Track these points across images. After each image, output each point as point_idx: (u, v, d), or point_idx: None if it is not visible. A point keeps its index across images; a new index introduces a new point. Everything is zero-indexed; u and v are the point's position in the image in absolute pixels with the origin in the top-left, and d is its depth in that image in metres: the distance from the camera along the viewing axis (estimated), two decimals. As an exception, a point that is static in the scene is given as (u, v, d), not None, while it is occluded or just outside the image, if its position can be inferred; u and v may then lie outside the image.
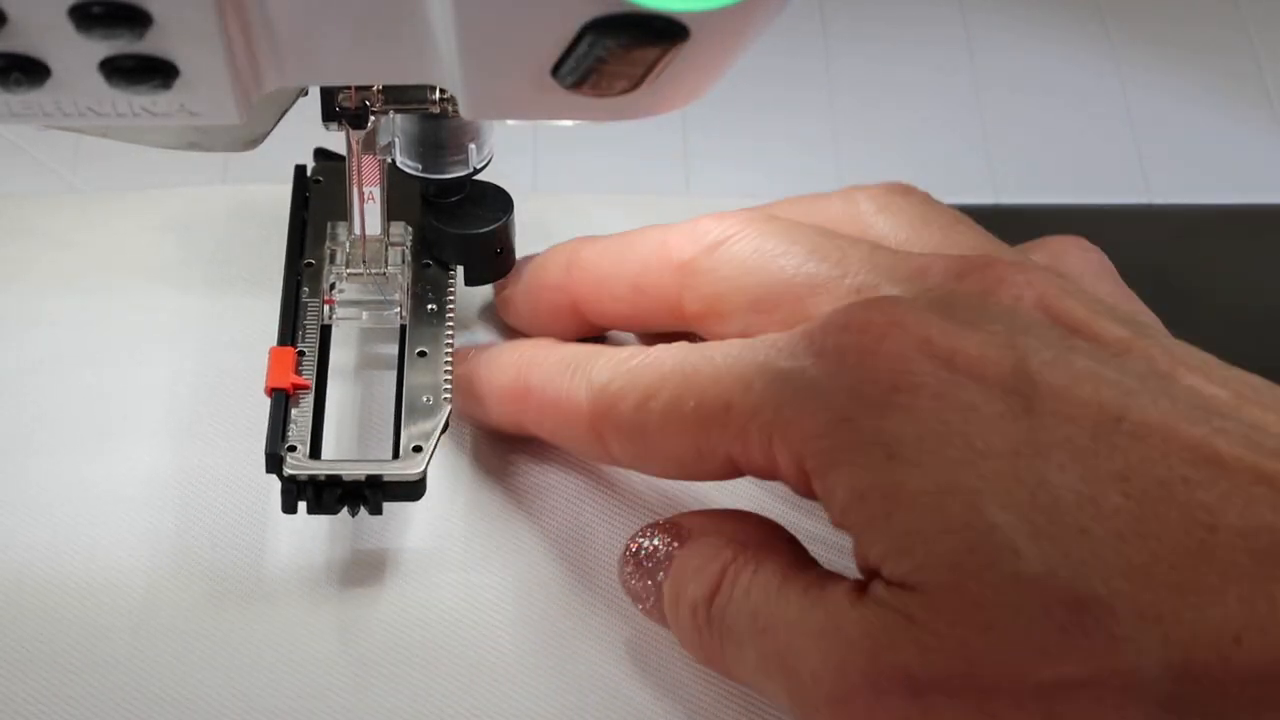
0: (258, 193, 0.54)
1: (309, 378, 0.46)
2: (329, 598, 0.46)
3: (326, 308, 0.48)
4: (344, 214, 0.49)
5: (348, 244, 0.49)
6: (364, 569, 0.47)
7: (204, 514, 0.47)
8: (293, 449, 0.45)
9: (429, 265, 0.50)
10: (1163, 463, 0.36)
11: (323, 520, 0.47)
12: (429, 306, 0.49)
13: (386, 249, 0.49)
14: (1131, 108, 0.61)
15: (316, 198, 0.50)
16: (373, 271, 0.49)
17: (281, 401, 0.45)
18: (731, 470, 0.41)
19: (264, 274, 0.53)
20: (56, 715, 0.43)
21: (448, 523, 0.48)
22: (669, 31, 0.33)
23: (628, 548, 0.44)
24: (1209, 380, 0.38)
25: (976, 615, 0.36)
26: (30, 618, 0.45)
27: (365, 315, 0.49)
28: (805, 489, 0.40)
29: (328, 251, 0.49)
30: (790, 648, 0.39)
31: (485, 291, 0.52)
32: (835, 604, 0.38)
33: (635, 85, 0.35)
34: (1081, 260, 0.44)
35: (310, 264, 0.49)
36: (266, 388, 0.46)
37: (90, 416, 0.49)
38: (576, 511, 0.48)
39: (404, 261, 0.49)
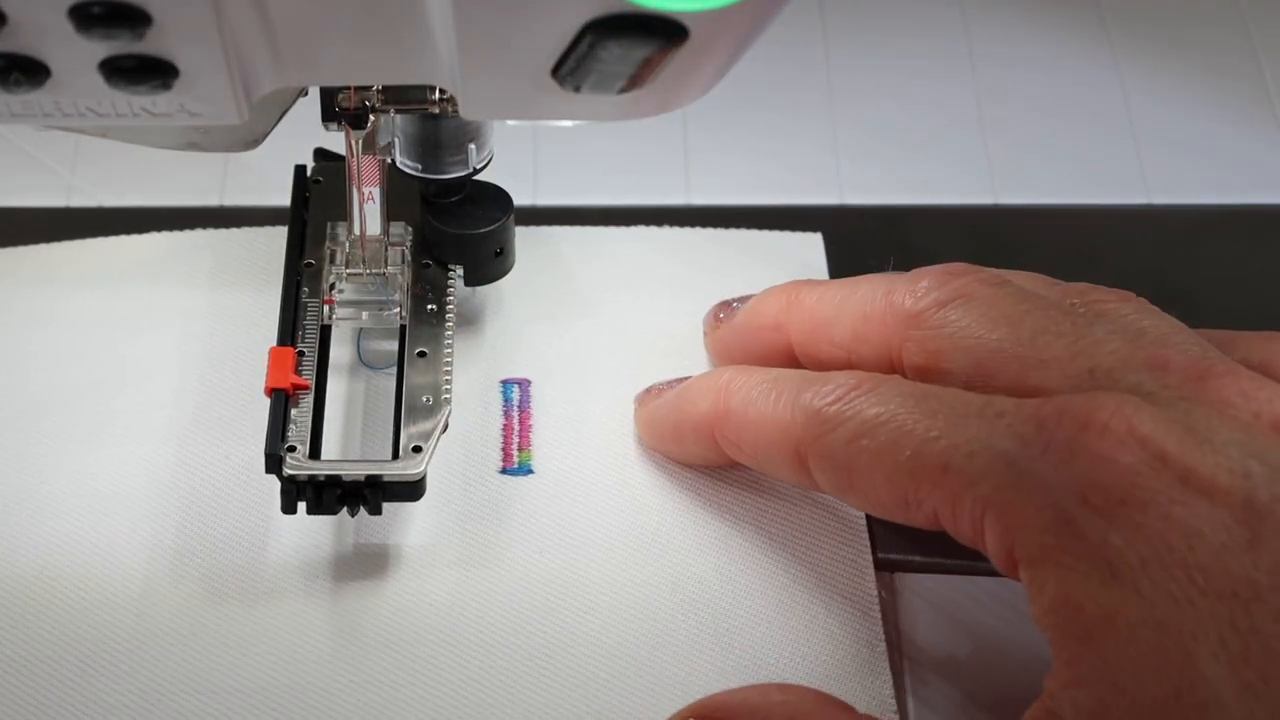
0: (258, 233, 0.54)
1: (309, 378, 0.46)
2: (328, 594, 0.46)
3: (326, 308, 0.48)
4: (344, 214, 0.49)
5: (348, 244, 0.49)
6: (363, 567, 0.47)
7: (204, 515, 0.47)
8: (292, 449, 0.45)
9: (429, 265, 0.50)
10: None
11: (322, 519, 0.47)
12: (429, 306, 0.49)
13: (386, 249, 0.49)
14: (1131, 108, 0.61)
15: (316, 198, 0.50)
16: (372, 271, 0.49)
17: (281, 401, 0.45)
18: (934, 524, 0.40)
19: (264, 275, 0.53)
20: (59, 709, 0.43)
21: (446, 522, 0.48)
22: (669, 31, 0.33)
23: None
24: None
25: None
26: (30, 615, 0.45)
27: (365, 315, 0.49)
28: (1008, 568, 0.38)
29: (328, 251, 0.49)
30: None
31: (485, 291, 0.52)
32: None
33: (635, 85, 0.35)
34: None
35: (310, 264, 0.49)
36: (266, 388, 0.46)
37: (90, 415, 0.49)
38: (574, 511, 0.48)
39: (404, 261, 0.49)
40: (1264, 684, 0.35)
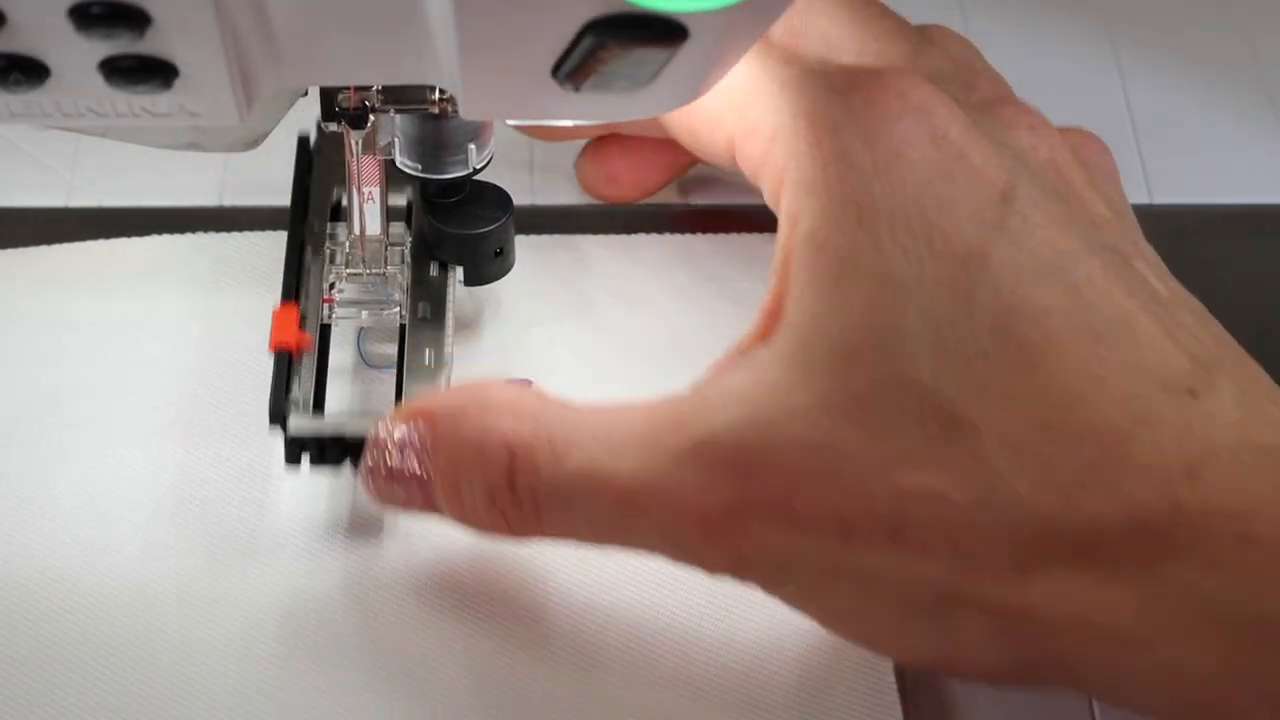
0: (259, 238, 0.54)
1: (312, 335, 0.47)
2: (329, 597, 0.46)
3: (326, 307, 0.49)
4: (345, 180, 0.49)
5: (347, 244, 0.49)
6: (365, 572, 0.46)
7: (203, 517, 0.47)
8: (295, 405, 0.45)
9: (429, 265, 0.50)
10: (1086, 315, 0.37)
11: (324, 525, 0.47)
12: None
13: (386, 249, 0.49)
14: (1132, 108, 0.61)
15: (319, 166, 0.51)
16: (372, 271, 0.49)
17: (285, 359, 0.46)
18: (728, 153, 0.44)
19: (264, 278, 0.53)
20: (59, 709, 0.43)
21: (447, 524, 0.47)
22: (669, 31, 0.33)
23: (365, 459, 0.42)
24: (1158, 278, 0.40)
25: (854, 409, 0.36)
26: (30, 616, 0.45)
27: (365, 315, 0.49)
28: (774, 201, 0.41)
29: (327, 251, 0.49)
30: (641, 486, 0.38)
31: (485, 291, 0.52)
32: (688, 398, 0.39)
33: (635, 85, 0.35)
34: (1098, 157, 0.46)
35: (314, 226, 0.49)
36: (270, 345, 0.46)
37: (89, 417, 0.49)
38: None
39: (403, 261, 0.49)
40: (958, 346, 0.36)
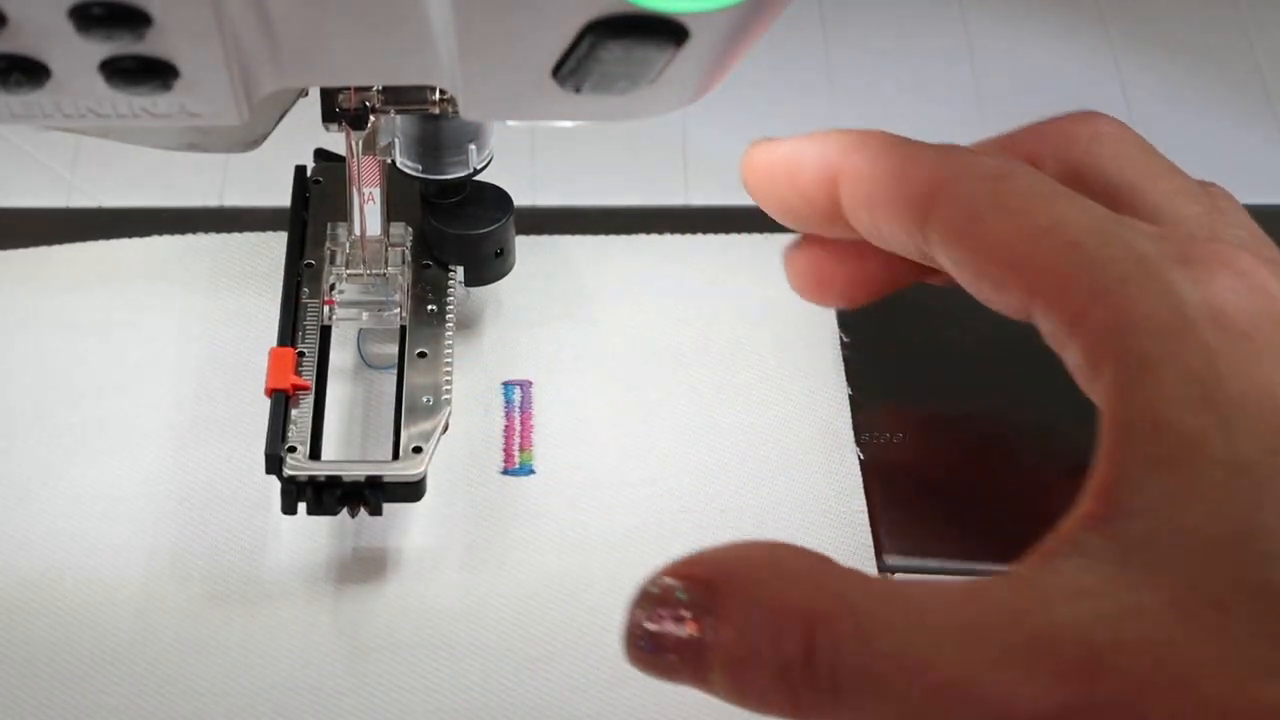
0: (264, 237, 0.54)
1: (309, 378, 0.46)
2: (330, 596, 0.46)
3: (326, 308, 0.49)
4: (344, 214, 0.49)
5: (348, 244, 0.49)
6: (365, 569, 0.47)
7: (204, 517, 0.48)
8: (292, 450, 0.45)
9: (429, 265, 0.50)
10: None
11: (323, 520, 0.47)
12: (429, 307, 0.49)
13: (386, 249, 0.49)
14: (1131, 108, 0.61)
15: (316, 198, 0.51)
16: (373, 272, 0.49)
17: (281, 402, 0.45)
18: (1026, 304, 0.38)
19: (264, 278, 0.53)
20: (59, 709, 0.43)
21: (448, 523, 0.48)
22: (669, 32, 0.33)
23: (635, 623, 0.37)
24: None
25: (1212, 614, 0.33)
26: (31, 616, 0.45)
27: (365, 316, 0.49)
28: (1091, 370, 0.36)
29: (328, 252, 0.49)
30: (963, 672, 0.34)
31: (485, 292, 0.52)
32: (1005, 588, 0.35)
33: (635, 86, 0.35)
34: None
35: (310, 264, 0.49)
36: (266, 389, 0.46)
37: (91, 417, 0.49)
38: (575, 512, 0.48)
39: (404, 262, 0.49)
40: None
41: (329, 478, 0.44)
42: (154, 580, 0.46)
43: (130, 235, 0.54)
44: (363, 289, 0.49)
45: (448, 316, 0.48)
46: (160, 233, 0.54)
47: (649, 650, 0.37)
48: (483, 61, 0.34)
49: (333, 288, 0.49)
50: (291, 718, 0.44)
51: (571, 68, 0.34)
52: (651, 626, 0.36)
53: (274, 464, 0.44)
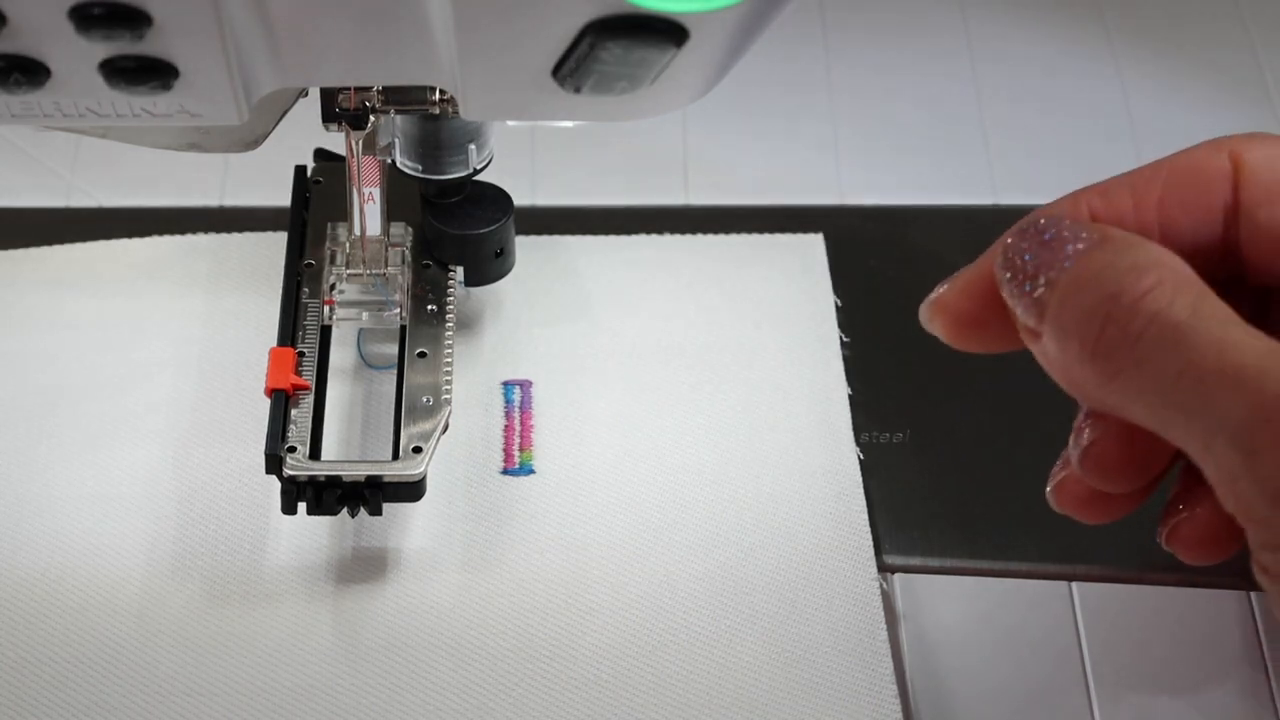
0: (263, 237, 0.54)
1: (309, 378, 0.46)
2: (330, 595, 0.46)
3: (326, 308, 0.48)
4: (344, 214, 0.49)
5: (348, 244, 0.49)
6: (365, 568, 0.47)
7: (205, 517, 0.48)
8: (292, 450, 0.45)
9: (429, 265, 0.50)
10: None
11: (323, 520, 0.47)
12: (429, 307, 0.49)
13: (386, 249, 0.49)
14: (1131, 107, 0.61)
15: (316, 198, 0.50)
16: (373, 272, 0.49)
17: (281, 402, 0.45)
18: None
19: (264, 279, 0.53)
20: (60, 709, 0.43)
21: (448, 522, 0.48)
22: (669, 32, 0.33)
23: (1005, 242, 0.38)
24: None
25: None
26: (32, 616, 0.45)
27: (365, 315, 0.49)
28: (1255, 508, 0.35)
29: (328, 252, 0.49)
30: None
31: (485, 292, 0.52)
32: None
33: (635, 85, 0.35)
34: None
35: (310, 264, 0.49)
36: (266, 388, 0.46)
37: (91, 417, 0.49)
38: (575, 511, 0.48)
39: (404, 262, 0.49)
40: None
41: (329, 478, 0.44)
42: (154, 580, 0.46)
43: (130, 235, 0.54)
44: (363, 289, 0.49)
45: (448, 316, 0.48)
46: (160, 233, 0.54)
47: (1010, 280, 0.38)
48: (483, 61, 0.34)
49: (333, 288, 0.49)
50: (292, 717, 0.44)
51: (571, 68, 0.34)
52: (1020, 254, 0.38)
53: (274, 464, 0.44)
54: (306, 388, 0.46)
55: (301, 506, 0.44)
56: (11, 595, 0.46)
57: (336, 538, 0.47)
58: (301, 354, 0.47)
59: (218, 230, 0.54)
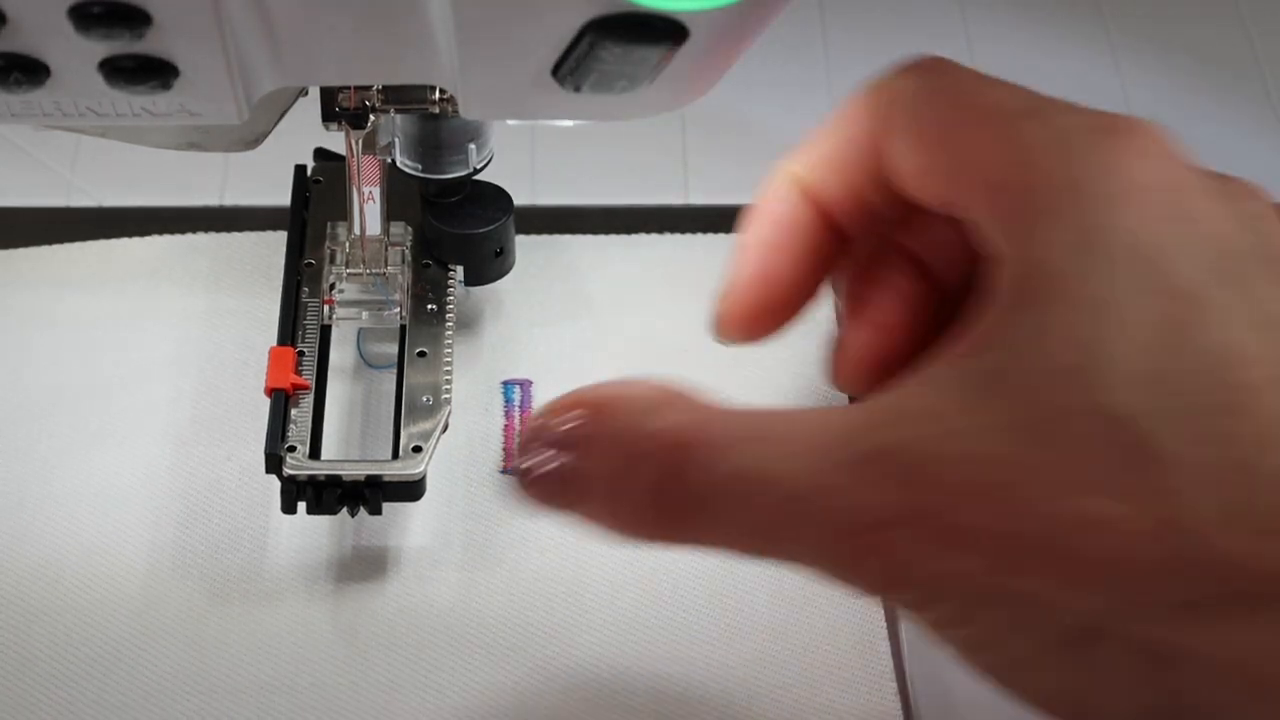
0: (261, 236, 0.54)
1: (309, 378, 0.46)
2: (330, 595, 0.46)
3: (326, 308, 0.49)
4: (344, 214, 0.49)
5: (348, 244, 0.49)
6: (365, 568, 0.47)
7: (205, 515, 0.48)
8: (292, 449, 0.45)
9: (429, 265, 0.50)
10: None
11: (323, 520, 0.47)
12: (429, 307, 0.49)
13: (386, 249, 0.49)
14: (1131, 108, 0.61)
15: (316, 198, 0.51)
16: (373, 271, 0.49)
17: (281, 401, 0.45)
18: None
19: (264, 278, 0.53)
20: (60, 708, 0.43)
21: (448, 522, 0.48)
22: (669, 31, 0.33)
23: (524, 455, 0.39)
24: None
25: (1039, 429, 0.35)
26: (32, 614, 0.45)
27: (365, 315, 0.49)
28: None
29: (328, 251, 0.49)
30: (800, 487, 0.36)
31: (485, 291, 0.52)
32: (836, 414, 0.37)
33: (635, 85, 0.35)
34: None
35: (310, 264, 0.49)
36: (266, 388, 0.46)
37: (92, 416, 0.49)
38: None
39: (404, 261, 0.49)
40: (1159, 381, 0.35)
41: (329, 477, 0.44)
42: (155, 579, 0.46)
43: (130, 235, 0.54)
44: (363, 288, 0.49)
45: (448, 316, 0.48)
46: (160, 232, 0.54)
47: (535, 480, 0.39)
48: (483, 61, 0.34)
49: (333, 287, 0.49)
50: (292, 716, 0.44)
51: (571, 67, 0.34)
52: (537, 459, 0.38)
53: (274, 463, 0.44)
54: (306, 387, 0.46)
55: (301, 507, 0.44)
56: (11, 594, 0.46)
57: (336, 537, 0.47)
58: (301, 353, 0.47)
59: (218, 230, 0.54)
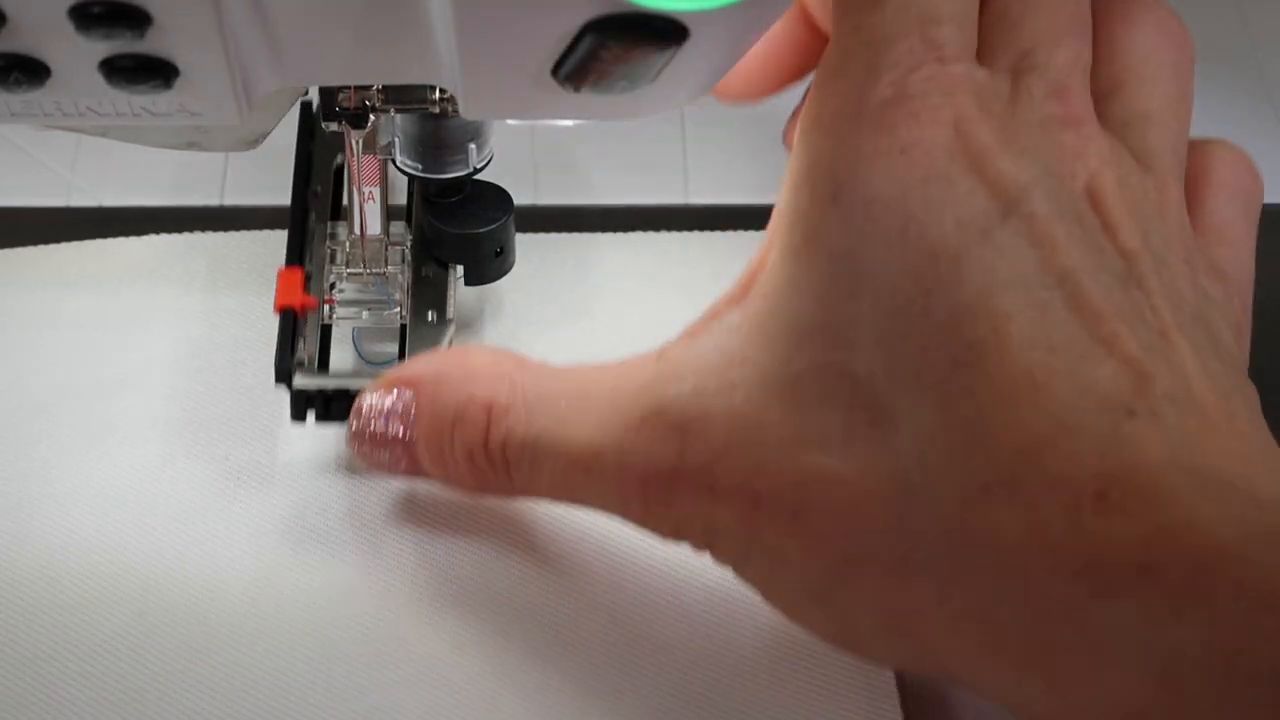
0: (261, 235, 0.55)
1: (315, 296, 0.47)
2: (331, 594, 0.46)
3: (327, 307, 0.49)
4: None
5: (348, 244, 0.49)
6: (365, 566, 0.47)
7: (204, 515, 0.48)
8: (301, 364, 0.46)
9: (429, 265, 0.50)
10: (1047, 329, 0.35)
11: (324, 519, 0.47)
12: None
13: (386, 249, 0.49)
14: (1131, 108, 0.61)
15: (322, 133, 0.51)
16: (373, 271, 0.49)
17: (290, 319, 0.46)
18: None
19: (264, 278, 0.53)
20: (60, 707, 0.43)
21: (446, 522, 0.48)
22: (669, 31, 0.33)
23: (351, 424, 0.44)
24: (1173, 309, 0.36)
25: (788, 388, 0.37)
26: (31, 614, 0.45)
27: (365, 315, 0.49)
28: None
29: (328, 251, 0.49)
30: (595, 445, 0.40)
31: (485, 291, 0.52)
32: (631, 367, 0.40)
33: (635, 85, 0.35)
34: (1227, 173, 0.43)
35: (316, 191, 0.50)
36: (276, 305, 0.47)
37: (91, 416, 0.49)
38: (574, 511, 0.48)
39: (404, 261, 0.49)
40: (902, 337, 0.35)
41: (337, 389, 0.46)
42: (155, 578, 0.46)
43: (130, 235, 0.54)
44: (362, 288, 0.49)
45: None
46: (160, 232, 0.54)
47: (370, 447, 0.44)
48: (483, 61, 0.34)
49: (333, 287, 0.49)
50: (292, 714, 0.44)
51: (571, 67, 0.34)
52: (369, 428, 0.44)
53: (284, 376, 0.45)
54: (314, 305, 0.47)
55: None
56: (11, 593, 0.46)
57: (338, 536, 0.47)
58: (309, 275, 0.48)
59: (217, 230, 0.54)
